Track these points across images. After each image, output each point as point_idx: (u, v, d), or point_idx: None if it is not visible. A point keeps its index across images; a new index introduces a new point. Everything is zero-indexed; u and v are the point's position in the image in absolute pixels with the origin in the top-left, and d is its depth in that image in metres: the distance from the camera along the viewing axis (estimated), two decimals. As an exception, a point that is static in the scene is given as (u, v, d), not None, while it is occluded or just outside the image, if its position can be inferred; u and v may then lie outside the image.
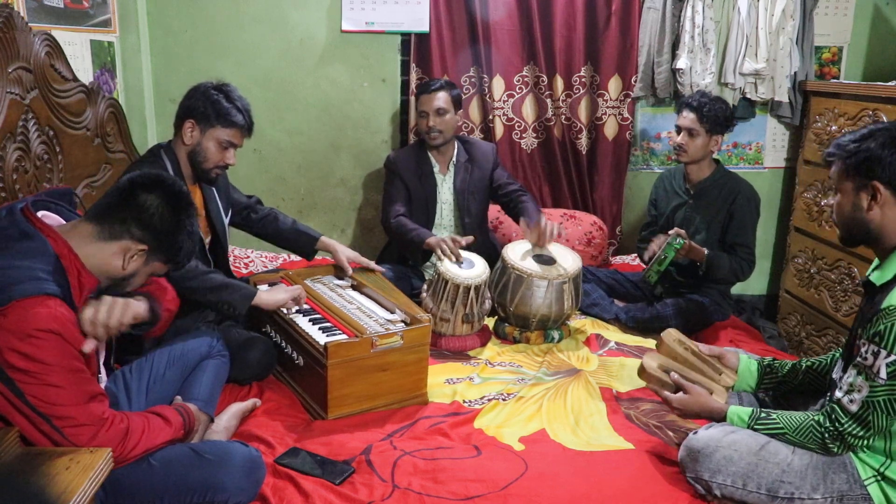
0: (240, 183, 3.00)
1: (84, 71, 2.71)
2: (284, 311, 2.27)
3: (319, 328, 2.17)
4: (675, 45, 3.32)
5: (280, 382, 2.29)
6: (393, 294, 2.40)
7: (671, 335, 2.01)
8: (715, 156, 2.91)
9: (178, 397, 1.85)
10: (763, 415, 1.73)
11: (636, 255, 3.50)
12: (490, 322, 2.79)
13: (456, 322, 2.57)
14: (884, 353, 1.53)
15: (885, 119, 2.75)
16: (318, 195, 3.55)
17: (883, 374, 1.54)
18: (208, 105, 2.20)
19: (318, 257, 2.75)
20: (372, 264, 2.64)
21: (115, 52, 3.03)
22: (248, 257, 3.26)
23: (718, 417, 1.80)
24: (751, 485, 1.66)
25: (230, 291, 2.17)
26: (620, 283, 3.09)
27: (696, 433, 1.77)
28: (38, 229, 1.45)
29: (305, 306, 2.32)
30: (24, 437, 1.38)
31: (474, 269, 2.62)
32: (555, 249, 2.77)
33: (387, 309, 2.35)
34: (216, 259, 2.45)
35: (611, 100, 3.43)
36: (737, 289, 3.07)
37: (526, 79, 3.41)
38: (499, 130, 3.45)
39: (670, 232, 2.70)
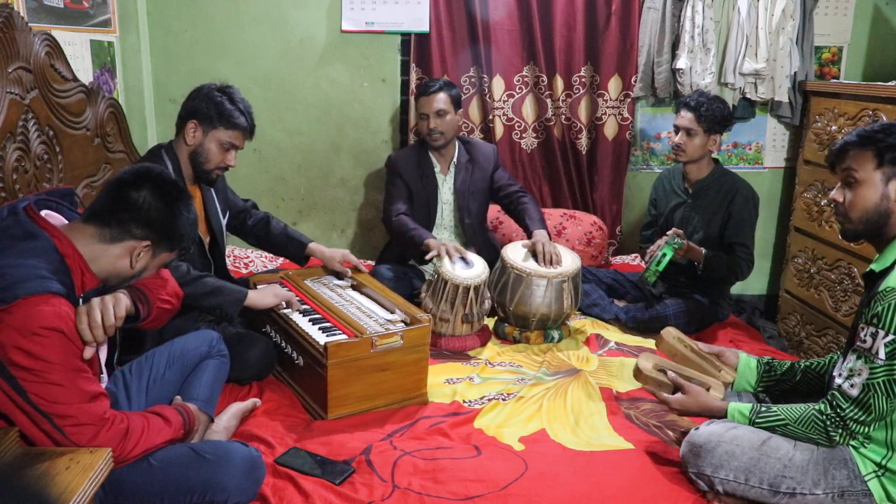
0: (240, 183, 3.01)
1: (84, 71, 2.71)
2: (286, 311, 2.27)
3: (319, 328, 2.17)
4: (675, 45, 3.32)
5: (280, 382, 2.29)
6: (390, 297, 2.40)
7: (670, 333, 2.02)
8: (714, 155, 2.91)
9: (178, 397, 1.85)
10: (763, 408, 1.74)
11: (636, 255, 3.51)
12: (490, 322, 2.79)
13: (456, 322, 2.57)
14: (882, 332, 1.54)
15: (885, 119, 2.75)
16: (318, 195, 3.55)
17: (882, 355, 1.55)
18: (211, 106, 2.22)
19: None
20: (360, 265, 2.63)
21: (115, 52, 3.04)
22: (248, 257, 3.26)
23: (718, 415, 1.80)
24: (753, 480, 1.67)
25: (221, 296, 2.16)
26: (620, 283, 3.09)
27: (697, 429, 1.78)
28: (42, 229, 1.45)
29: (305, 306, 2.32)
30: (24, 437, 1.38)
31: (474, 270, 2.63)
32: (554, 249, 2.76)
33: (387, 309, 2.35)
34: (215, 260, 2.45)
35: (611, 100, 3.43)
36: (737, 289, 3.08)
37: (526, 79, 3.42)
38: (499, 130, 3.45)
39: (668, 232, 2.70)
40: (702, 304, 2.84)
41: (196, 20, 3.27)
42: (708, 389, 1.87)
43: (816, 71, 3.46)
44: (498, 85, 3.41)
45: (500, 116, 3.44)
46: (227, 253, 2.73)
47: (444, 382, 2.32)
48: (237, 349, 2.17)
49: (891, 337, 1.53)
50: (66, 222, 1.55)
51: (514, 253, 2.74)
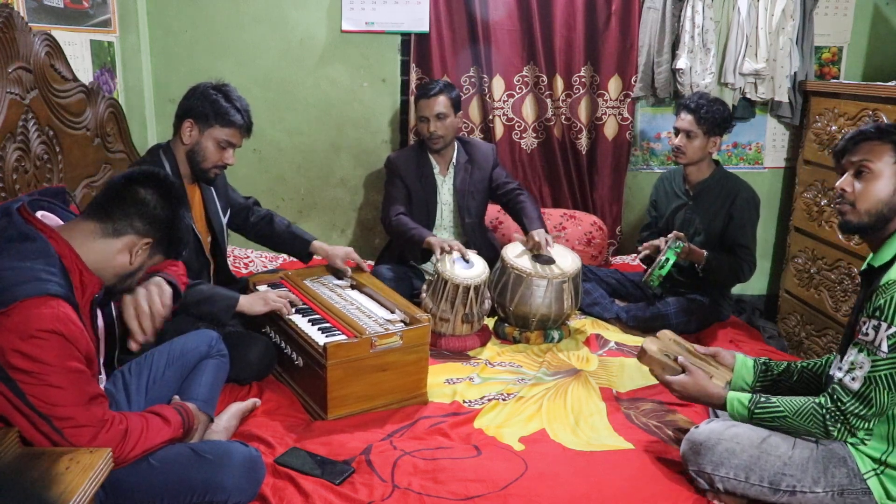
0: (240, 183, 3.00)
1: (84, 71, 2.71)
2: (284, 311, 2.27)
3: (319, 328, 2.17)
4: (675, 45, 3.32)
5: (280, 382, 2.29)
6: (391, 296, 2.40)
7: (666, 335, 2.03)
8: (715, 156, 2.91)
9: (177, 397, 1.85)
10: (763, 399, 1.73)
11: (636, 255, 3.51)
12: (490, 322, 2.79)
13: (456, 322, 2.57)
14: (884, 325, 1.55)
15: (885, 119, 2.75)
16: (318, 195, 3.55)
17: (884, 348, 1.55)
18: (207, 105, 2.20)
19: (317, 257, 2.76)
20: (363, 264, 2.63)
21: (114, 52, 3.03)
22: (248, 257, 3.25)
23: (718, 402, 1.80)
24: (753, 478, 1.67)
25: (212, 303, 2.15)
26: (621, 282, 3.09)
27: (698, 427, 1.78)
28: (38, 230, 1.45)
29: (304, 306, 2.32)
30: (24, 438, 1.38)
31: (474, 269, 2.63)
32: (554, 249, 2.76)
33: (386, 309, 2.35)
34: (216, 259, 2.45)
35: (611, 100, 3.43)
36: (737, 289, 3.08)
37: (526, 79, 3.41)
38: (499, 130, 3.45)
39: (669, 235, 2.70)
40: (702, 303, 2.84)
41: (196, 20, 3.27)
42: (711, 378, 1.87)
43: (816, 71, 3.46)
44: (498, 85, 3.40)
45: (500, 116, 3.44)
46: (227, 252, 2.72)
47: (444, 382, 2.32)
48: (237, 349, 2.16)
49: (893, 329, 1.54)
50: (61, 223, 1.55)
51: (515, 253, 2.74)
